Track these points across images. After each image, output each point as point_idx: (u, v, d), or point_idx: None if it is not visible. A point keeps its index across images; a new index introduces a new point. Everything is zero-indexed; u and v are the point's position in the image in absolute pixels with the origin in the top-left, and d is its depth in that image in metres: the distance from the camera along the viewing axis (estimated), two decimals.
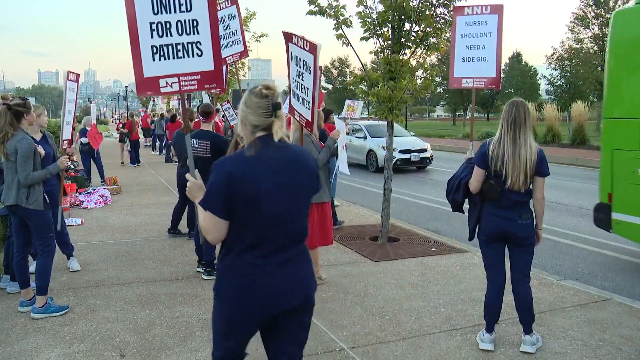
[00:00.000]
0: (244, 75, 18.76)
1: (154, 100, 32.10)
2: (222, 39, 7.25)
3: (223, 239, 2.35)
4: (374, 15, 6.68)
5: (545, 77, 46.36)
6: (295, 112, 5.09)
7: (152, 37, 3.01)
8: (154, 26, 3.00)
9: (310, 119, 4.76)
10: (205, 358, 3.78)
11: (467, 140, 25.86)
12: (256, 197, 2.27)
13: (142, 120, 23.90)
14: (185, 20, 3.03)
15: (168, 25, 3.01)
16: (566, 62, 43.35)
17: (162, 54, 3.03)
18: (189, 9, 3.02)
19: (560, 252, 7.06)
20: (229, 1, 7.08)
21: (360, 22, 6.72)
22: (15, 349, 3.91)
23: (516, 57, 59.34)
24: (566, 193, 11.56)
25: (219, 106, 14.35)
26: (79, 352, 3.87)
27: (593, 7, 48.16)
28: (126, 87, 72.84)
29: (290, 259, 2.38)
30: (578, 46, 46.88)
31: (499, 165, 3.68)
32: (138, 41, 3.01)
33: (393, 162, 14.85)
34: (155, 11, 3.00)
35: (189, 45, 3.06)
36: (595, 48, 47.84)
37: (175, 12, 3.02)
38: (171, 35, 3.03)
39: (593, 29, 48.66)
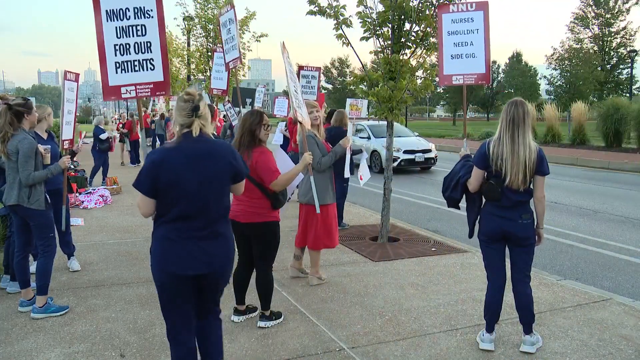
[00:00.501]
0: (244, 75, 18.83)
1: (153, 100, 32.10)
2: (225, 44, 7.23)
3: (152, 214, 2.91)
4: (374, 15, 6.68)
5: (545, 77, 46.41)
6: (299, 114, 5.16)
7: (115, 55, 4.04)
8: (117, 47, 4.03)
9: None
10: None
11: (467, 140, 25.90)
12: (174, 180, 2.82)
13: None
14: (141, 42, 4.03)
15: (128, 47, 4.02)
16: (566, 62, 43.37)
17: (123, 68, 4.04)
18: (144, 33, 4.03)
19: (560, 252, 7.06)
20: (229, 6, 7.21)
21: (360, 22, 6.72)
22: (15, 349, 3.91)
23: (516, 57, 59.36)
24: (566, 193, 11.56)
25: (220, 107, 14.41)
26: (79, 352, 3.87)
27: (593, 7, 48.20)
28: None
29: (205, 236, 2.90)
30: (578, 46, 46.92)
31: (499, 164, 3.68)
32: (105, 58, 4.04)
33: (397, 162, 14.64)
34: (118, 36, 4.03)
35: (144, 62, 4.05)
36: (595, 48, 47.89)
37: (133, 36, 4.02)
38: (130, 54, 4.04)
39: (593, 29, 48.73)
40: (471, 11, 5.60)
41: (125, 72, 4.06)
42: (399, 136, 16.00)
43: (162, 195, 2.84)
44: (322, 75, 11.46)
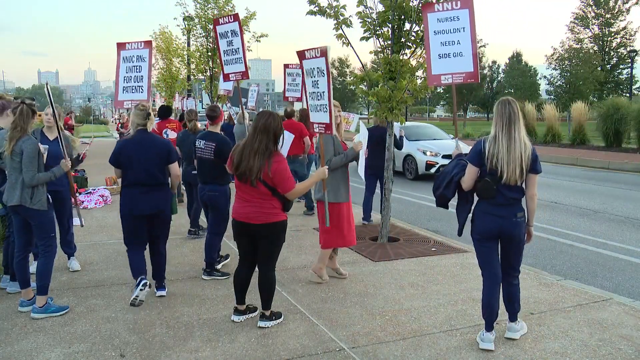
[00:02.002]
0: None
1: (154, 101, 32.10)
2: (225, 55, 7.16)
3: (120, 177, 4.85)
4: (374, 15, 6.68)
5: (545, 77, 46.35)
6: (315, 125, 5.06)
7: (123, 82, 6.54)
8: (125, 78, 6.52)
9: (328, 122, 4.82)
10: (206, 358, 3.78)
11: (467, 140, 25.86)
12: (128, 159, 4.72)
13: None
14: (138, 76, 6.46)
15: (130, 78, 6.49)
16: (566, 62, 43.32)
17: (126, 90, 6.52)
18: (140, 71, 6.45)
19: (560, 252, 7.06)
20: (232, 17, 7.02)
21: (360, 22, 6.72)
22: (15, 349, 3.91)
23: (516, 57, 59.33)
24: (566, 193, 11.55)
25: (224, 107, 14.44)
26: (79, 352, 3.86)
27: (593, 7, 48.21)
28: None
29: (148, 191, 4.72)
30: (578, 46, 46.90)
31: (494, 163, 3.73)
32: (118, 84, 6.56)
33: (436, 168, 13.69)
34: (127, 72, 6.52)
35: (138, 87, 6.48)
36: (595, 48, 47.88)
37: (135, 72, 6.45)
38: (131, 82, 6.50)
39: (593, 29, 48.73)
40: (456, 9, 5.53)
41: (127, 92, 6.49)
42: (434, 139, 14.84)
43: (123, 167, 4.75)
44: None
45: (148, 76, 6.41)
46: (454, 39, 5.58)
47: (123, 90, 6.42)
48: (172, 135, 10.57)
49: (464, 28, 5.52)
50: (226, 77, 7.30)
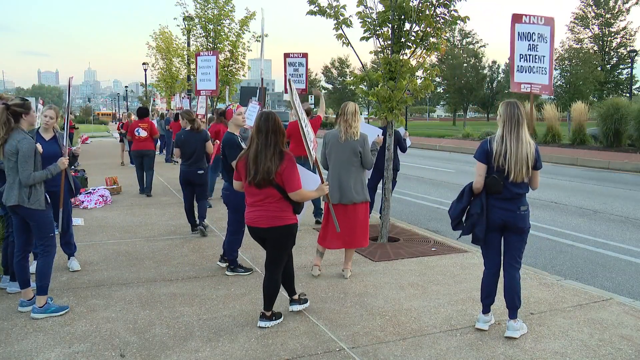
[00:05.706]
0: (244, 75, 18.83)
1: (154, 100, 32.20)
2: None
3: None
4: (374, 15, 6.68)
5: None
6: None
7: None
8: None
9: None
10: (206, 358, 3.78)
11: (467, 140, 25.81)
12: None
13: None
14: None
15: None
16: (566, 62, 43.27)
17: None
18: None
19: (560, 252, 7.06)
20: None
21: (360, 22, 6.73)
22: (15, 349, 3.91)
23: None
24: (566, 193, 11.55)
25: (221, 105, 14.69)
26: (79, 352, 3.86)
27: (593, 7, 48.17)
28: (126, 87, 72.89)
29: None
30: (578, 46, 46.84)
31: (501, 162, 3.96)
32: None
33: None
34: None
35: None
36: (595, 48, 47.84)
37: None
38: None
39: (593, 29, 48.68)
40: (540, 25, 6.05)
41: None
42: None
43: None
44: (309, 63, 11.40)
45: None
46: (536, 53, 6.10)
47: None
48: (143, 133, 10.66)
49: (545, 43, 6.06)
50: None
